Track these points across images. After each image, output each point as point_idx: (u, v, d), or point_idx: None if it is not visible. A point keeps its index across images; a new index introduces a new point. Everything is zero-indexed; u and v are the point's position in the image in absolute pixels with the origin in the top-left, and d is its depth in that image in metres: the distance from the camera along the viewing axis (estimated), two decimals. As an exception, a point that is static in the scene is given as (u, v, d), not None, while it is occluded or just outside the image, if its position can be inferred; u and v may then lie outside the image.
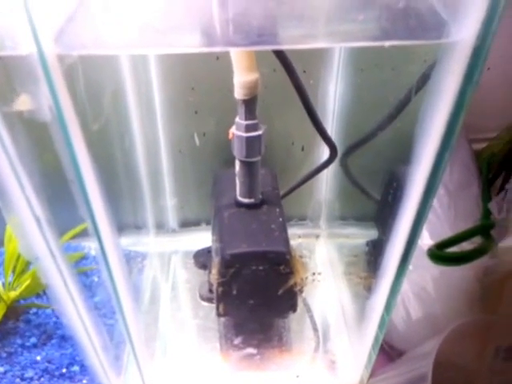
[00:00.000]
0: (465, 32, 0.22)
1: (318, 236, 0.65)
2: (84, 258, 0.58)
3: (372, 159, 0.51)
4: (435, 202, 0.46)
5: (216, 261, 0.42)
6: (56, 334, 0.52)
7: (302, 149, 0.60)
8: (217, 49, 0.26)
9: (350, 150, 0.50)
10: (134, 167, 0.55)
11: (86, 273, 0.57)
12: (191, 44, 0.27)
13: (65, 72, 0.24)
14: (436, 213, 0.46)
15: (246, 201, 0.44)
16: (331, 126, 0.54)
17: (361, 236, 0.61)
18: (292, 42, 0.27)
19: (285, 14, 0.26)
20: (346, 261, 0.63)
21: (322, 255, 0.63)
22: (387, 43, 0.24)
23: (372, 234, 0.55)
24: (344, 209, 0.63)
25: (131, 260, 0.57)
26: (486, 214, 0.44)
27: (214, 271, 0.43)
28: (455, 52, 0.23)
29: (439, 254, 0.39)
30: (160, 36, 0.27)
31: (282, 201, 0.49)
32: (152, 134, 0.55)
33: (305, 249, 0.63)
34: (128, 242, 0.57)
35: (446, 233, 0.42)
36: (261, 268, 0.41)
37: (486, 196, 0.46)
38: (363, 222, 0.61)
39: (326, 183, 0.61)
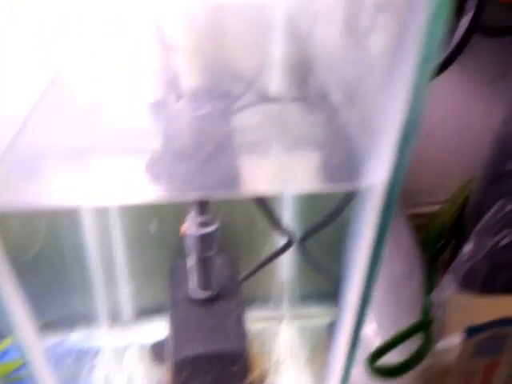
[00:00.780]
0: (377, 176, 0.22)
1: (281, 319, 0.64)
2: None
3: (330, 243, 0.51)
4: (378, 294, 0.46)
5: (169, 362, 0.40)
6: None
7: (263, 229, 0.59)
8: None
9: (307, 235, 0.50)
10: (84, 256, 0.53)
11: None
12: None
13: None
14: (380, 305, 0.45)
15: (201, 295, 0.43)
16: (288, 212, 0.55)
17: (325, 316, 0.60)
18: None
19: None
20: (310, 343, 0.61)
21: (285, 339, 0.61)
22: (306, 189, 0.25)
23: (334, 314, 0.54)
24: (307, 289, 0.62)
25: (82, 357, 0.53)
26: (426, 309, 0.44)
27: (168, 373, 0.41)
28: (370, 192, 0.24)
29: (378, 368, 0.38)
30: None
31: (243, 284, 0.48)
32: (105, 219, 0.54)
33: (268, 334, 0.61)
34: (79, 337, 0.54)
35: (392, 325, 0.42)
36: (216, 369, 0.39)
37: (430, 283, 0.47)
38: (327, 301, 0.60)
39: (287, 264, 0.61)
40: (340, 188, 0.27)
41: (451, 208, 0.72)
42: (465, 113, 0.79)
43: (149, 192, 0.25)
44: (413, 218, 0.74)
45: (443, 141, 0.82)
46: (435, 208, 0.80)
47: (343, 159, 0.26)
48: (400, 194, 0.25)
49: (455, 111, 0.79)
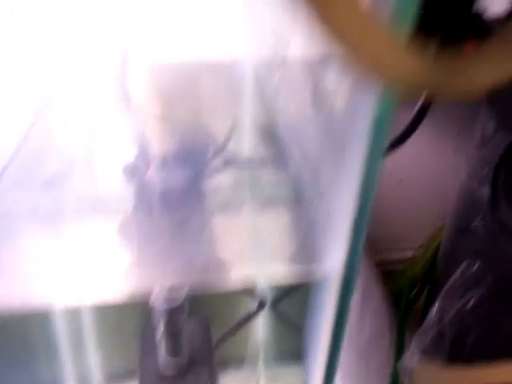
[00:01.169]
0: (333, 261, 0.23)
1: (257, 381, 0.62)
2: None
3: (304, 303, 0.51)
4: (346, 359, 0.45)
5: None
6: None
7: (235, 291, 0.58)
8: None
9: (280, 298, 0.50)
10: (51, 323, 0.51)
11: None
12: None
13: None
14: (347, 370, 0.45)
15: (171, 365, 0.42)
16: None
17: (301, 376, 0.58)
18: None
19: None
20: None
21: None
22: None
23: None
24: (283, 349, 0.61)
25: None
26: (395, 375, 0.43)
27: None
28: (329, 277, 0.24)
29: None
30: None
31: (217, 348, 0.46)
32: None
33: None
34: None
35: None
36: None
37: (400, 346, 0.46)
38: (302, 361, 0.59)
39: (261, 325, 0.60)
40: (304, 276, 0.27)
41: (424, 255, 0.73)
42: (434, 162, 0.82)
43: (117, 288, 0.24)
44: (385, 264, 0.75)
45: (414, 189, 0.84)
46: (408, 254, 0.80)
47: (306, 239, 0.26)
48: (370, 244, 0.25)
49: (425, 161, 0.81)
